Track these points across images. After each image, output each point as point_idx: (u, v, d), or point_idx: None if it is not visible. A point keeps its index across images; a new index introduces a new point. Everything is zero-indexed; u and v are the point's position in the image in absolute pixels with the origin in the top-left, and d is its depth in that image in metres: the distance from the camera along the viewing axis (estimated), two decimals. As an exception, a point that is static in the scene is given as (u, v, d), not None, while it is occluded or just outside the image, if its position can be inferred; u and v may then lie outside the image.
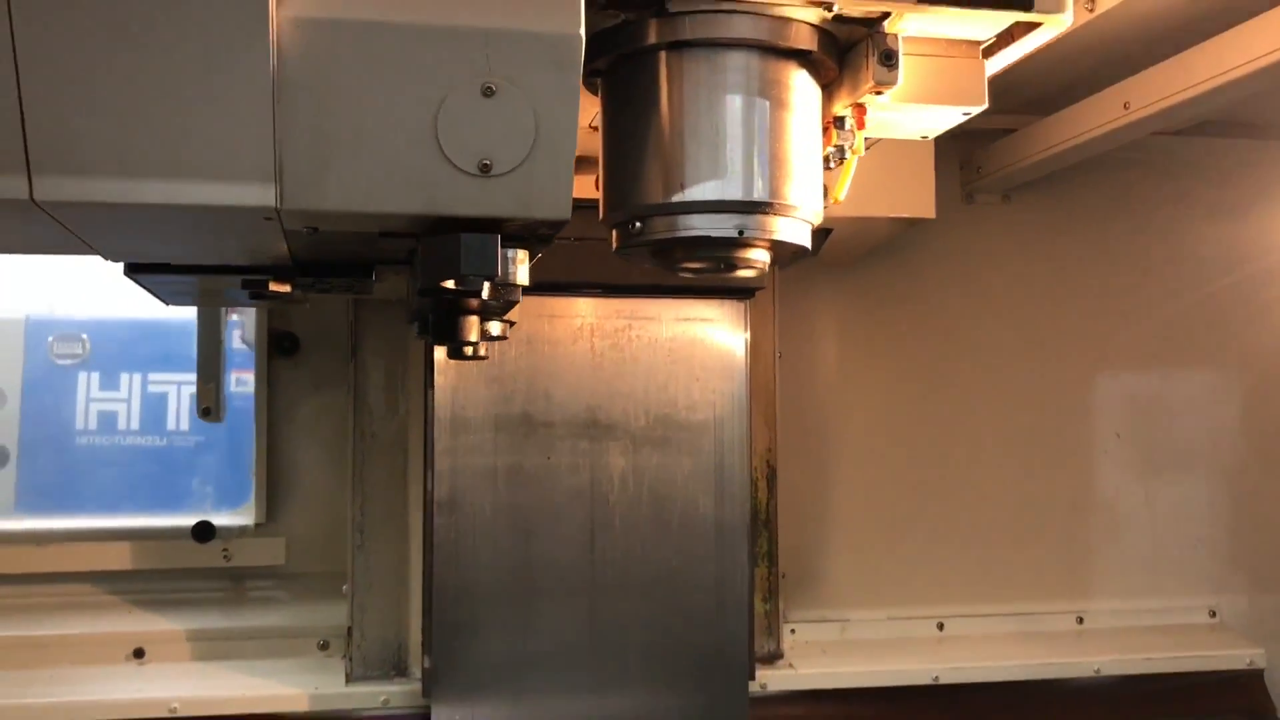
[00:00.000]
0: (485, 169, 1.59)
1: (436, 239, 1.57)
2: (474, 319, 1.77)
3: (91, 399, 5.45)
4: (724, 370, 2.80)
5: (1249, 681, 3.26)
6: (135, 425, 5.45)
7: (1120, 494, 3.40)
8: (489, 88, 1.57)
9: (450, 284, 1.58)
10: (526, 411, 2.69)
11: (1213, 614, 3.41)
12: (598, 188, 1.90)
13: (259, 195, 1.55)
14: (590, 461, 2.71)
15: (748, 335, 2.83)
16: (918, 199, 2.76)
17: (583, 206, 1.71)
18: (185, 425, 5.40)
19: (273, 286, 2.08)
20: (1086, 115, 2.72)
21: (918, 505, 3.29)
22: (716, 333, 2.80)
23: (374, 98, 1.56)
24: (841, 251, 3.00)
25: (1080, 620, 3.35)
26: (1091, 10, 2.28)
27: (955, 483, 3.31)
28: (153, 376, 5.46)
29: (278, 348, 3.06)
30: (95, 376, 5.41)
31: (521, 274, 1.64)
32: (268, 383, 3.05)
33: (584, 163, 1.78)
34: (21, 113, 1.47)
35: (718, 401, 2.78)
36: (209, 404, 3.00)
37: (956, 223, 3.28)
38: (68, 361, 5.38)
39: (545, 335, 2.70)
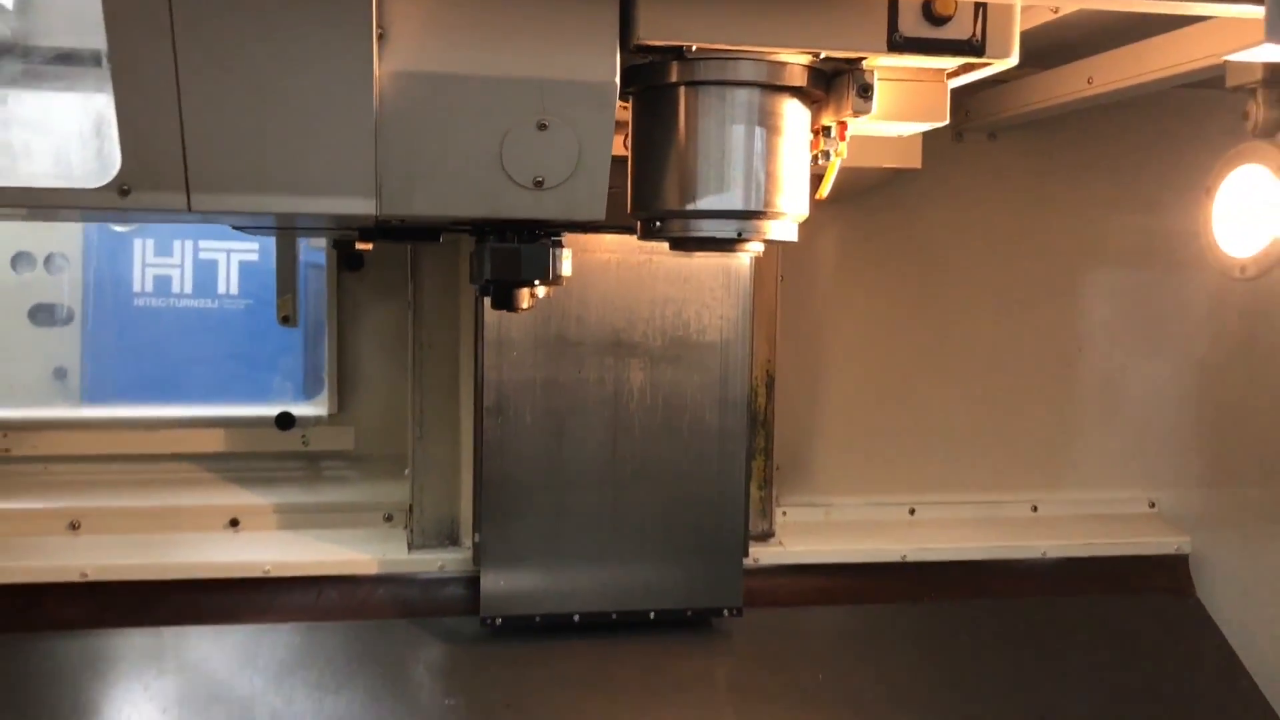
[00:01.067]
0: (539, 184, 2.03)
1: (501, 247, 2.02)
2: (526, 291, 2.22)
3: (147, 264, 5.82)
4: (731, 297, 3.25)
5: (1175, 565, 3.77)
6: (188, 289, 5.86)
7: (1077, 400, 3.86)
8: (542, 123, 1.99)
9: (511, 278, 2.04)
10: (561, 333, 3.15)
11: (1152, 505, 3.91)
12: (625, 146, 2.31)
13: (363, 206, 2.00)
14: (614, 375, 3.18)
15: (753, 265, 3.26)
16: (906, 150, 3.16)
17: (614, 160, 2.08)
18: (234, 289, 5.84)
19: (358, 245, 2.54)
20: (1056, 83, 3.08)
21: (897, 406, 3.76)
22: (726, 264, 3.23)
23: (453, 131, 1.99)
24: (837, 193, 3.40)
25: (1035, 509, 3.84)
26: (1055, 12, 2.63)
27: (930, 387, 3.76)
28: (203, 244, 5.84)
29: (345, 263, 3.51)
30: (150, 243, 5.78)
31: (566, 268, 2.10)
32: (337, 294, 3.52)
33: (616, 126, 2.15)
34: (184, 146, 1.91)
35: (724, 325, 3.23)
36: (287, 312, 3.47)
37: (946, 159, 3.62)
38: (124, 229, 5.69)
39: (577, 267, 3.09)
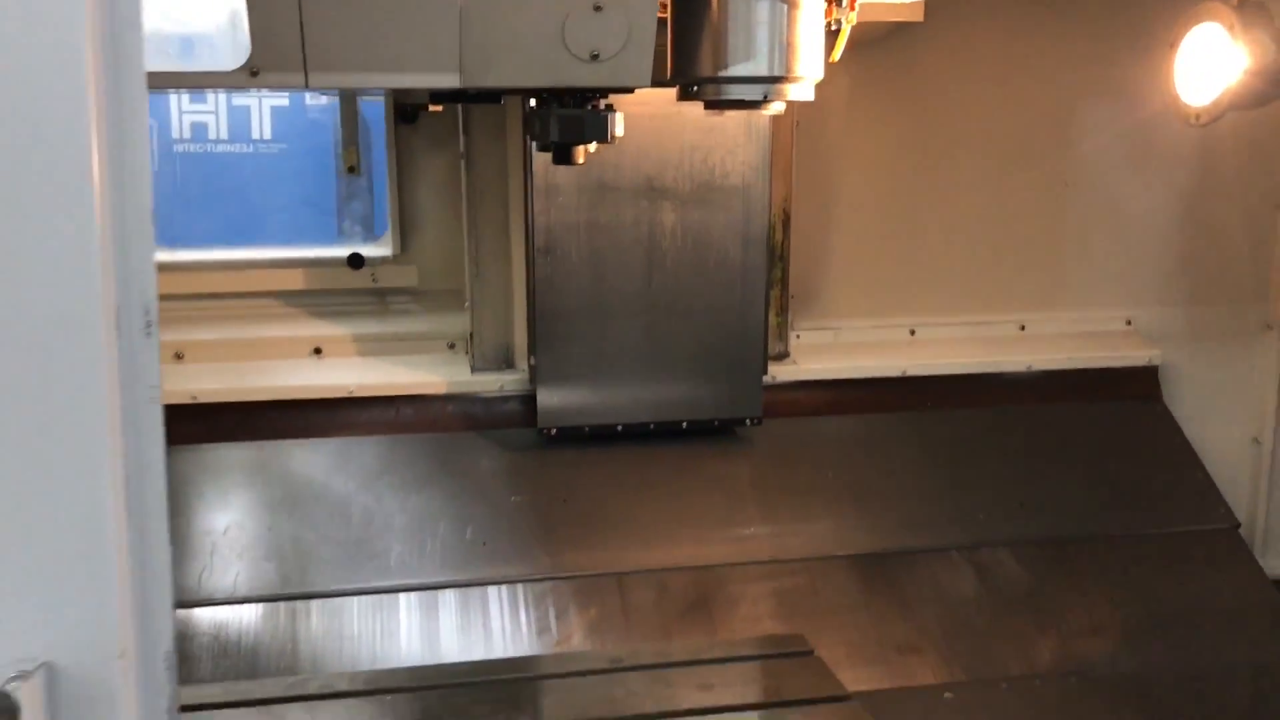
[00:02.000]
0: (595, 57, 2.40)
1: (567, 113, 2.42)
2: (583, 148, 2.62)
3: (184, 111, 6.14)
4: (752, 144, 3.62)
5: (1146, 375, 4.25)
6: (224, 134, 6.19)
7: (1063, 230, 4.25)
8: (598, 6, 2.36)
9: (574, 138, 2.44)
10: (601, 179, 3.54)
11: (1128, 323, 4.36)
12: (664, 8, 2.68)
13: (449, 80, 2.38)
14: (648, 217, 3.59)
15: (771, 115, 3.62)
16: (910, 6, 3.48)
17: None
18: (267, 134, 6.17)
19: (430, 108, 2.92)
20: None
21: (900, 238, 4.16)
22: (748, 114, 3.59)
23: (522, 14, 2.35)
24: (849, 44, 3.72)
25: (1022, 328, 4.29)
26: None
27: (930, 221, 4.15)
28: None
29: (402, 116, 3.87)
30: (185, 92, 6.07)
31: (620, 129, 2.49)
32: (395, 144, 3.89)
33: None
34: (303, 34, 2.29)
35: (746, 170, 3.62)
36: (352, 163, 3.86)
37: (949, 4, 3.94)
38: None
39: (615, 119, 3.51)
